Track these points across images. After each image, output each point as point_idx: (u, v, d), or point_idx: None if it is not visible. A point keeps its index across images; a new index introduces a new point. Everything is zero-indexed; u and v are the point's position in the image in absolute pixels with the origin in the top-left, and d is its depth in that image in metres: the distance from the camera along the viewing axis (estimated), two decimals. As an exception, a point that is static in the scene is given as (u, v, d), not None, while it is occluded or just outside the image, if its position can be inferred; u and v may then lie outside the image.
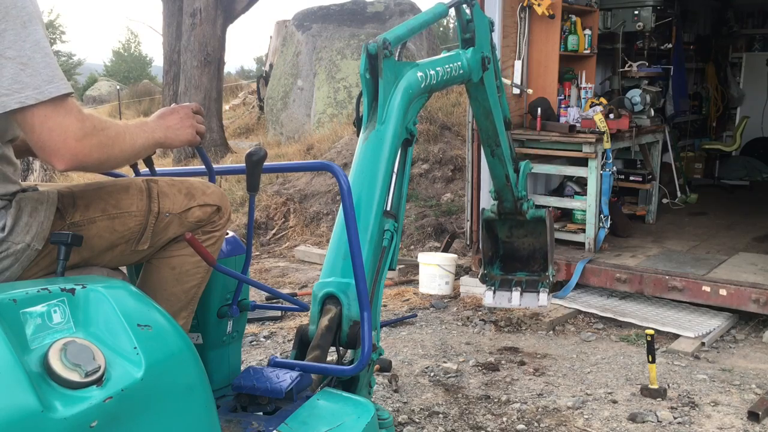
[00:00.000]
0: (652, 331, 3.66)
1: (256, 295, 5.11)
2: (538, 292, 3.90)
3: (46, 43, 1.46)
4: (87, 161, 1.52)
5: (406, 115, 2.63)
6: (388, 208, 2.52)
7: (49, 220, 1.64)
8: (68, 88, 1.47)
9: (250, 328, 4.86)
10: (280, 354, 4.33)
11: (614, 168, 5.67)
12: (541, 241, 4.11)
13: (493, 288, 4.01)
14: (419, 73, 2.74)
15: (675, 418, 3.48)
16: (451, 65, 3.03)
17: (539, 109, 5.53)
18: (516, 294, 3.92)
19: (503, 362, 4.20)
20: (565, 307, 5.01)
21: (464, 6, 3.34)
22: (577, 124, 5.51)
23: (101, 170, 1.68)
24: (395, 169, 2.59)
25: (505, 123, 3.77)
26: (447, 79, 3.00)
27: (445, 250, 6.38)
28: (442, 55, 3.20)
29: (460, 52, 3.26)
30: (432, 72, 2.83)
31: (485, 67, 3.34)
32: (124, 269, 2.02)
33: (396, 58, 2.67)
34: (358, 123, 2.63)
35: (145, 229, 1.81)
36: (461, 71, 3.13)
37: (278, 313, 5.12)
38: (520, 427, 3.43)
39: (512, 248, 4.24)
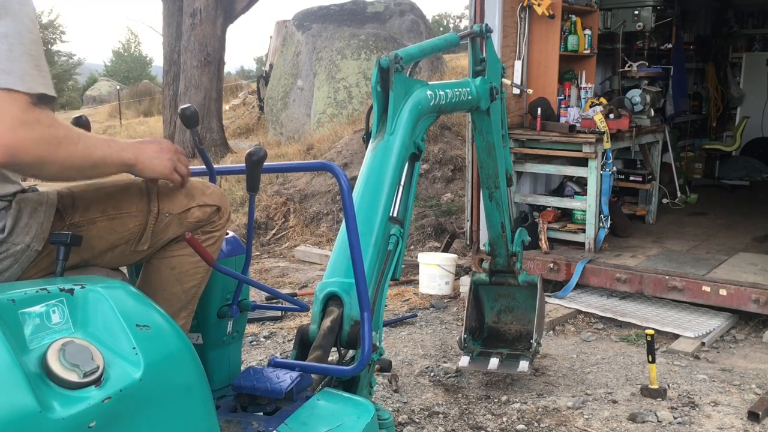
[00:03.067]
0: (652, 331, 3.66)
1: (256, 295, 5.11)
2: (520, 361, 3.83)
3: (18, 38, 1.42)
4: (22, 157, 1.41)
5: (414, 129, 2.68)
6: (395, 215, 2.55)
7: (49, 221, 1.64)
8: (25, 87, 1.40)
9: (250, 328, 4.85)
10: (280, 354, 4.33)
11: (614, 168, 5.67)
12: (529, 327, 3.97)
13: (470, 355, 3.95)
14: (429, 92, 2.80)
15: (675, 418, 3.47)
16: (460, 89, 3.11)
17: (539, 109, 5.53)
18: (495, 360, 3.84)
19: (503, 362, 4.20)
20: (565, 307, 5.01)
21: (478, 39, 3.43)
22: (577, 124, 5.51)
23: (42, 173, 1.51)
24: (402, 182, 2.62)
25: (507, 178, 3.79)
26: (455, 102, 3.06)
27: (445, 250, 6.37)
28: (452, 80, 3.27)
29: (469, 80, 3.34)
30: (441, 93, 2.90)
31: (493, 97, 3.41)
32: (124, 269, 2.02)
33: (407, 76, 2.73)
34: (367, 138, 2.66)
35: (145, 230, 1.81)
36: (469, 97, 3.22)
37: (278, 313, 5.12)
38: (520, 427, 3.43)
39: (497, 332, 4.18)
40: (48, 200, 1.66)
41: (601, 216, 5.46)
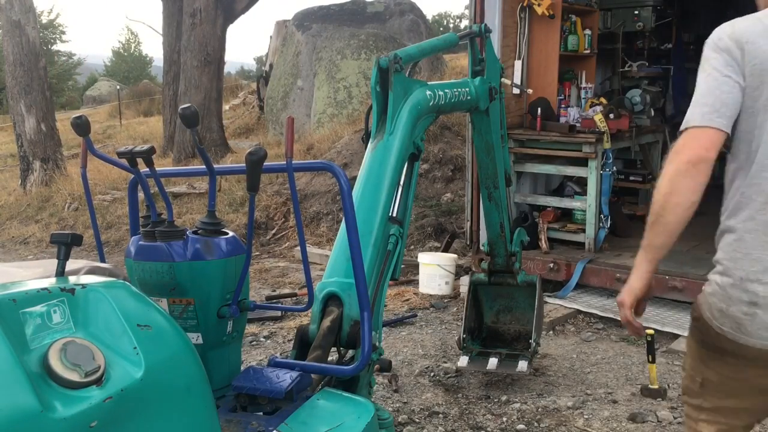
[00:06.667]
0: (652, 331, 3.64)
1: (255, 296, 5.11)
2: (518, 361, 3.83)
3: (709, 81, 1.75)
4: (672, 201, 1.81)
5: (414, 129, 2.69)
6: (394, 215, 2.55)
7: None
8: (702, 121, 1.74)
9: (250, 328, 4.86)
10: (280, 354, 4.33)
11: (614, 168, 5.67)
12: (528, 327, 3.96)
13: (469, 355, 3.95)
14: (428, 92, 2.81)
15: (675, 418, 3.48)
16: (459, 90, 3.12)
17: (539, 109, 5.53)
18: (494, 359, 3.84)
19: (503, 362, 4.20)
20: (565, 307, 5.01)
21: (477, 39, 3.43)
22: (577, 124, 5.51)
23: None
24: (401, 182, 2.62)
25: (506, 178, 3.79)
26: (455, 102, 3.06)
27: (445, 250, 6.38)
28: (451, 81, 3.28)
29: (468, 80, 3.34)
30: (440, 93, 2.90)
31: (492, 97, 3.42)
32: (124, 270, 2.02)
33: (406, 76, 2.73)
34: (366, 138, 2.66)
35: None
36: (468, 97, 3.23)
37: (278, 313, 5.12)
38: (520, 427, 3.43)
39: (496, 332, 4.15)
40: None
41: (601, 216, 5.46)
